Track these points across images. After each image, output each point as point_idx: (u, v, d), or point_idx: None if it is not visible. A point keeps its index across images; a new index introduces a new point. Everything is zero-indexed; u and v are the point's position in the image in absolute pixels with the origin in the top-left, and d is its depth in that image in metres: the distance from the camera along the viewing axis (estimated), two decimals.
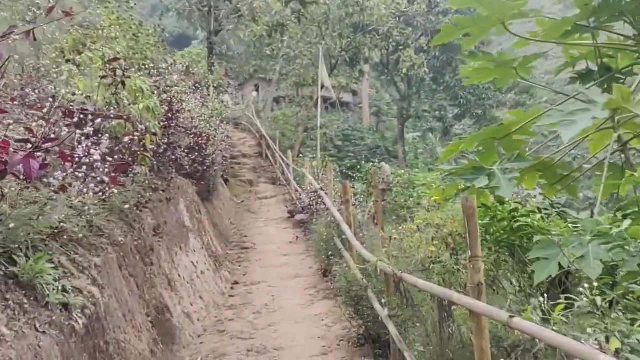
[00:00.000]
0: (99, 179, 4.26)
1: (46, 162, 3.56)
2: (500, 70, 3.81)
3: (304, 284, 8.68)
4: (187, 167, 9.44)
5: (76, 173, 4.07)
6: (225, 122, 15.25)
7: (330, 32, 21.79)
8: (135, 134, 5.43)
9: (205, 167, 10.62)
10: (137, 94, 6.04)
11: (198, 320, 7.03)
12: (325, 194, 10.44)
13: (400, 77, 36.35)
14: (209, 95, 12.70)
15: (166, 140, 7.35)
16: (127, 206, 5.71)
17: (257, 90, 39.66)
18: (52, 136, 4.19)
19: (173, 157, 7.56)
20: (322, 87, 15.34)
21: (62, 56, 7.72)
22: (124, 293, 5.32)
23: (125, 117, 5.08)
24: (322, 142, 34.63)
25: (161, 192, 7.57)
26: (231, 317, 7.28)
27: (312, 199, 11.93)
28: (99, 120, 4.43)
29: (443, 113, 33.75)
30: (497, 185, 3.07)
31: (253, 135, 24.25)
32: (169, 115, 7.18)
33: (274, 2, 19.44)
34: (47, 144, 3.61)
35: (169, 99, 7.28)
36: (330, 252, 8.46)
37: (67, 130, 4.75)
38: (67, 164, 3.89)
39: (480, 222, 5.38)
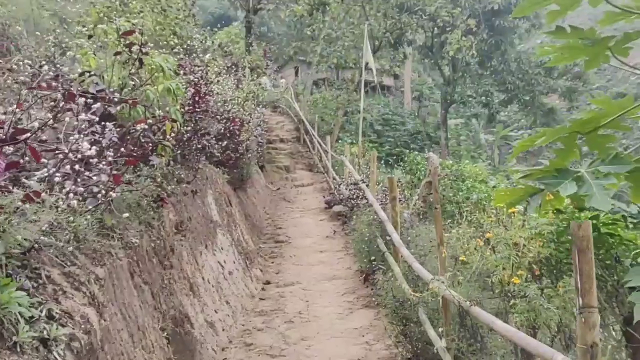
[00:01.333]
0: (95, 178, 3.43)
1: (15, 161, 2.73)
2: (592, 50, 2.81)
3: (341, 287, 7.78)
4: (218, 155, 8.64)
5: (61, 172, 3.23)
6: (261, 106, 14.40)
7: (375, 12, 20.56)
8: (150, 120, 4.58)
9: (238, 155, 9.80)
10: (157, 74, 5.19)
11: (223, 329, 6.23)
12: (367, 186, 9.47)
13: (445, 61, 34.76)
14: (244, 76, 11.82)
15: (192, 127, 6.51)
16: (144, 202, 4.92)
17: (297, 73, 38.74)
18: (45, 124, 3.37)
19: (200, 145, 6.71)
20: (366, 68, 14.26)
21: (84, 32, 6.97)
22: (133, 307, 4.53)
23: (131, 100, 4.23)
24: (362, 127, 33.59)
25: (186, 184, 6.76)
26: (260, 327, 6.45)
27: (351, 191, 10.97)
28: (97, 105, 3.57)
29: (489, 98, 32.04)
30: (588, 193, 2.27)
31: (291, 119, 23.39)
32: (196, 98, 6.32)
33: None
34: (21, 135, 2.79)
35: (196, 80, 6.41)
36: (372, 256, 7.53)
37: (70, 116, 3.93)
38: (50, 161, 3.06)
39: (549, 226, 4.38)
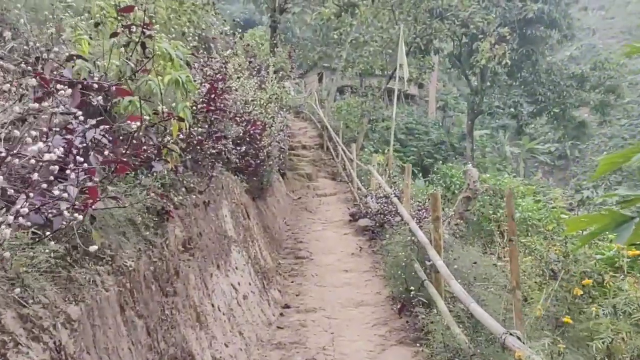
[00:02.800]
0: (58, 192, 2.46)
1: None
2: None
3: (371, 316, 6.72)
4: (236, 160, 7.70)
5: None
6: (285, 110, 13.46)
7: (405, 16, 19.53)
8: (147, 117, 3.62)
9: (258, 161, 8.84)
10: (163, 63, 4.24)
11: None
12: (400, 200, 8.43)
13: (473, 70, 33.55)
14: (267, 76, 10.88)
15: (206, 128, 5.55)
16: (142, 216, 3.98)
17: (321, 79, 37.88)
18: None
19: (215, 149, 5.75)
20: (396, 75, 13.23)
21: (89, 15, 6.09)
22: (120, 351, 3.56)
23: (117, 88, 3.27)
24: (386, 135, 32.49)
25: (197, 194, 5.79)
26: None
27: (381, 205, 9.91)
28: (68, 90, 2.60)
29: (518, 110, 30.72)
30: None
31: (314, 125, 22.43)
32: (211, 95, 5.36)
33: None
34: None
35: (212, 73, 5.46)
36: (407, 282, 6.46)
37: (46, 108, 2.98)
38: None
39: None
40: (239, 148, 7.45)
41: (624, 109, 37.44)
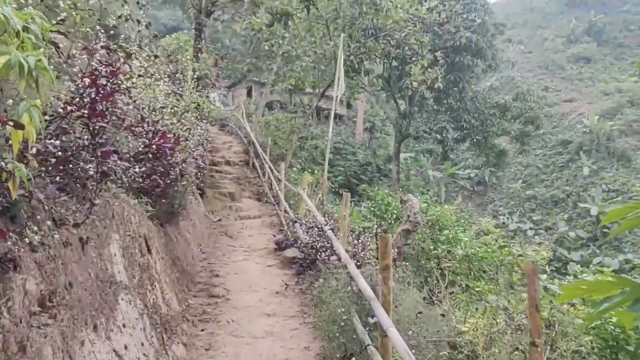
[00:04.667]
0: None
1: None
2: None
3: None
4: (139, 180, 6.12)
5: None
6: (206, 121, 11.89)
7: (339, 32, 18.54)
8: None
9: (169, 181, 7.25)
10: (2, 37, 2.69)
11: None
12: (335, 233, 7.12)
13: (402, 94, 33.34)
14: (186, 82, 9.31)
15: (87, 139, 3.98)
16: None
17: (249, 93, 36.43)
18: None
19: (99, 168, 4.17)
20: (331, 92, 12.07)
21: None
22: None
23: None
24: (314, 153, 31.41)
25: (71, 228, 4.18)
26: None
27: (312, 237, 8.55)
28: None
29: (444, 135, 30.70)
30: None
31: (240, 140, 20.89)
32: (92, 95, 3.80)
33: None
34: None
35: (98, 64, 3.90)
36: (346, 345, 5.11)
37: None
38: None
39: None
40: (140, 164, 5.87)
41: (542, 139, 38.71)
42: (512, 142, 35.68)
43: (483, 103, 31.77)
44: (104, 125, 4.17)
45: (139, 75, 5.07)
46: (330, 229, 7.27)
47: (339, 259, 6.33)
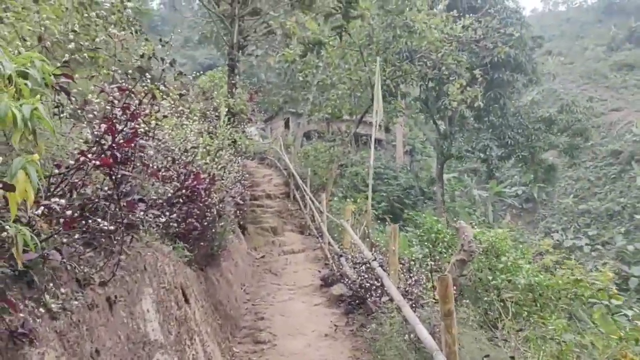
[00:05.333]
0: None
1: None
2: None
3: None
4: (175, 225, 5.76)
5: None
6: (244, 157, 11.60)
7: (374, 57, 18.19)
8: None
9: (206, 223, 6.88)
10: None
11: None
12: (384, 269, 6.54)
13: (440, 114, 32.59)
14: (218, 119, 9.03)
15: (107, 190, 3.62)
16: None
17: (287, 125, 36.50)
18: None
19: (125, 218, 3.79)
20: (370, 117, 11.61)
21: None
22: None
23: None
24: (355, 181, 30.88)
25: (96, 287, 3.79)
26: None
27: (360, 273, 7.97)
28: None
29: (489, 153, 29.64)
30: None
31: (280, 172, 20.61)
32: (110, 143, 3.43)
33: (309, 22, 15.94)
34: None
35: (111, 112, 3.52)
36: None
37: None
38: None
39: None
40: (172, 210, 5.52)
41: (591, 151, 37.01)
42: (560, 155, 34.24)
43: (526, 118, 30.66)
44: (127, 173, 3.80)
45: (165, 116, 4.72)
46: (379, 266, 6.69)
47: (391, 299, 5.74)
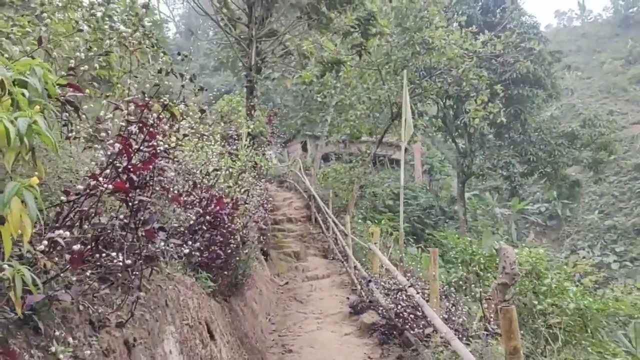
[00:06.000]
0: None
1: None
2: None
3: None
4: (197, 254, 5.32)
5: None
6: (265, 180, 11.19)
7: (392, 75, 17.83)
8: None
9: (230, 250, 6.42)
10: None
11: None
12: (422, 295, 5.98)
13: (459, 132, 32.03)
14: (239, 141, 8.64)
15: (122, 218, 3.18)
16: None
17: (304, 148, 36.25)
18: None
19: (145, 249, 3.35)
20: (400, 131, 11.15)
21: None
22: None
23: None
24: (375, 202, 30.27)
25: (112, 329, 3.33)
26: None
27: (394, 300, 7.39)
28: None
29: (511, 170, 28.91)
30: None
31: (300, 195, 20.17)
32: (124, 163, 3.01)
33: (326, 42, 15.69)
34: None
35: (125, 129, 3.11)
36: None
37: None
38: None
39: None
40: (195, 237, 5.07)
41: (616, 165, 35.99)
42: (583, 171, 33.32)
43: (548, 133, 29.96)
44: (145, 199, 3.36)
45: (185, 135, 4.30)
46: (418, 294, 6.12)
47: (434, 330, 5.18)
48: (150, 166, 3.27)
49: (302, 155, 31.72)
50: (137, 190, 3.37)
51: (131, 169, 3.08)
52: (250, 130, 11.54)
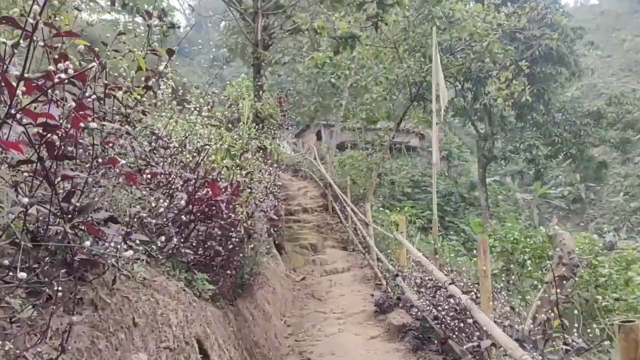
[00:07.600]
0: None
1: None
2: None
3: None
4: (190, 252, 4.21)
5: None
6: (277, 167, 10.00)
7: (410, 52, 16.48)
8: None
9: (231, 245, 5.23)
10: None
11: None
12: (474, 300, 4.74)
13: (478, 116, 30.48)
14: (241, 123, 7.46)
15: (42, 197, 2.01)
16: None
17: (319, 137, 35.07)
18: None
19: (80, 252, 2.18)
20: (433, 107, 9.87)
21: None
22: None
23: None
24: (393, 190, 28.94)
25: None
26: None
27: (430, 300, 6.16)
28: None
29: (535, 153, 27.34)
30: None
31: (315, 184, 18.98)
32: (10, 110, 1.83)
33: (338, 20, 14.33)
34: None
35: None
36: None
37: None
38: None
39: None
40: (187, 229, 3.92)
41: None
42: (607, 152, 31.59)
43: (573, 113, 28.29)
44: (70, 173, 2.17)
45: (147, 86, 3.10)
46: (463, 294, 4.87)
47: (493, 343, 3.94)
48: (77, 124, 2.07)
49: (317, 144, 30.54)
50: (64, 162, 2.19)
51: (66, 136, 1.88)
52: (258, 112, 10.35)
